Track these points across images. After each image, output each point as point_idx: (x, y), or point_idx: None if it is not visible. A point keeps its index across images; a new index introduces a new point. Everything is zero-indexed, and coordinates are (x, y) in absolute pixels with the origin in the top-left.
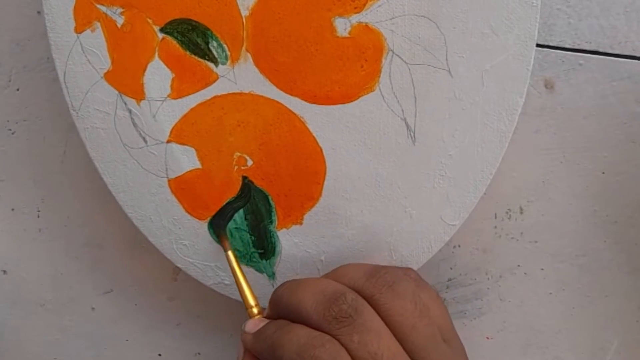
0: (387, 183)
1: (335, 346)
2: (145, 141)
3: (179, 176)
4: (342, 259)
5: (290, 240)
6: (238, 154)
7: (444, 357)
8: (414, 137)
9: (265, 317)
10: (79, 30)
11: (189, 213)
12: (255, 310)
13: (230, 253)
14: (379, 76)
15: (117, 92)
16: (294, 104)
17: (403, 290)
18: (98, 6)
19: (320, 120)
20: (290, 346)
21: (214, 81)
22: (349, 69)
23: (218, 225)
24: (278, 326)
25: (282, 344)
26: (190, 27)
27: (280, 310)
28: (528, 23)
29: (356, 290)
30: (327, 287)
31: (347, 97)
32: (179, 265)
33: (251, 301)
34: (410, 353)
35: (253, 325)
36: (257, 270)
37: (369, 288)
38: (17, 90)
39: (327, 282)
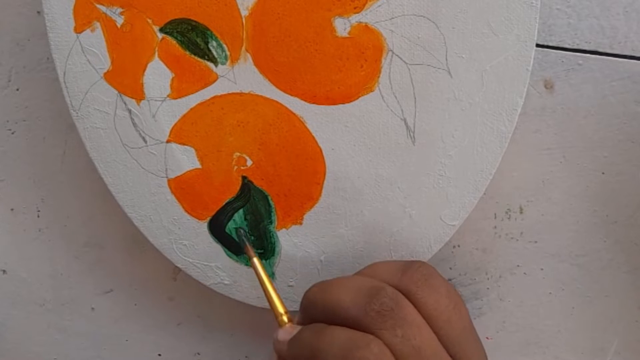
0: (387, 183)
1: (379, 346)
2: (145, 141)
3: (179, 176)
4: (342, 259)
5: (290, 241)
6: (238, 154)
7: (474, 350)
8: (414, 137)
9: (297, 324)
10: (78, 30)
11: (188, 213)
12: (285, 317)
13: (255, 260)
14: (379, 76)
15: (116, 92)
16: (293, 104)
17: (438, 284)
18: (98, 6)
19: (320, 120)
20: (331, 349)
21: (214, 81)
22: (349, 69)
23: (241, 234)
24: (314, 330)
25: (322, 348)
26: (190, 27)
27: (315, 312)
28: (528, 23)
29: (392, 286)
30: (363, 283)
31: (346, 97)
32: (179, 265)
33: (280, 309)
34: (445, 346)
35: (286, 333)
36: None
37: (405, 282)
38: (17, 90)
39: (362, 279)
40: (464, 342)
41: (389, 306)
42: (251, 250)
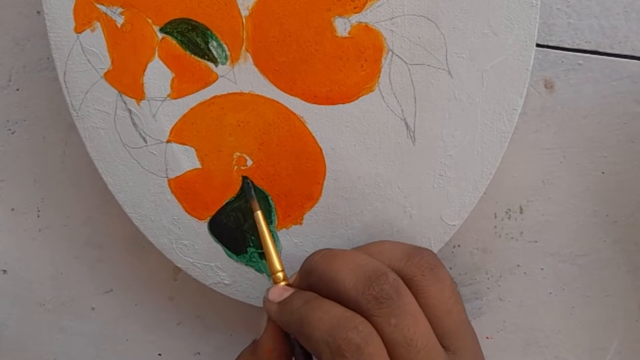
0: (387, 183)
1: (368, 328)
2: (145, 141)
3: (179, 176)
4: None
5: (290, 240)
6: (238, 153)
7: (471, 344)
8: (414, 137)
9: (291, 286)
10: (79, 30)
11: (188, 213)
12: (280, 275)
13: (259, 213)
14: (379, 76)
15: (117, 91)
16: (293, 104)
17: (443, 275)
18: (98, 6)
19: (320, 120)
20: (320, 325)
21: (214, 81)
22: (349, 69)
23: (247, 185)
24: (306, 299)
25: (312, 321)
26: (190, 27)
27: (313, 280)
28: (528, 23)
29: (396, 270)
30: (367, 263)
31: (347, 97)
32: (179, 265)
33: (277, 265)
34: (441, 338)
35: (277, 293)
36: (257, 270)
37: (411, 268)
38: (17, 90)
39: (367, 258)
40: (461, 335)
41: (388, 293)
42: (256, 203)
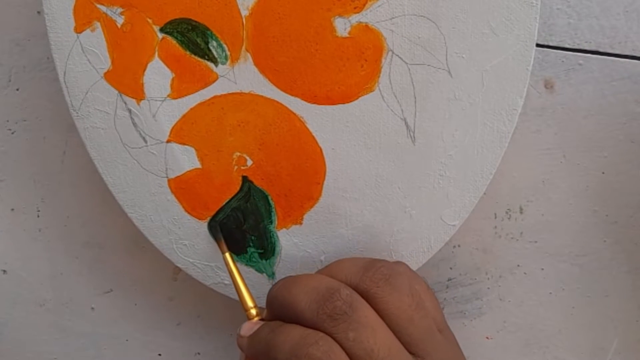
0: (387, 183)
1: (328, 343)
2: (145, 141)
3: (179, 176)
4: None
5: (290, 240)
6: (238, 153)
7: (440, 348)
8: (414, 137)
9: (264, 319)
10: (79, 30)
11: (188, 213)
12: (253, 311)
13: (227, 255)
14: (379, 76)
15: (117, 91)
16: (293, 103)
17: (400, 283)
18: (98, 6)
19: (320, 120)
20: (283, 346)
21: (214, 81)
22: (349, 69)
23: (213, 228)
24: (272, 327)
25: (276, 344)
26: (190, 27)
27: (275, 310)
28: (528, 23)
29: (352, 285)
30: (320, 283)
31: (347, 97)
32: (179, 265)
33: (249, 302)
34: (407, 345)
35: (248, 328)
36: (257, 270)
37: (366, 282)
38: (17, 90)
39: (321, 278)
40: (428, 341)
41: (341, 309)
42: (223, 246)
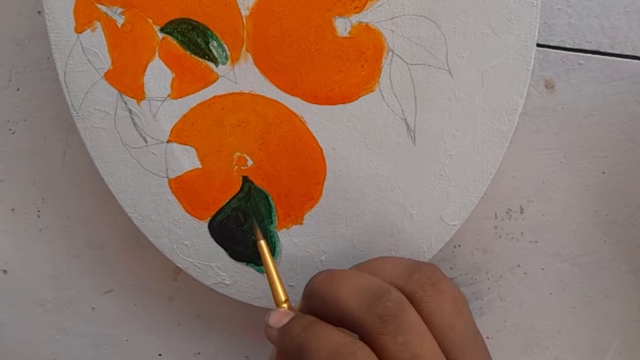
0: (387, 183)
1: (366, 353)
2: (146, 141)
3: (179, 176)
4: (342, 259)
5: (291, 240)
6: (238, 153)
7: (478, 356)
8: (414, 137)
9: (298, 310)
10: (79, 30)
11: (189, 213)
12: (285, 306)
13: (262, 242)
14: (379, 76)
15: (117, 91)
16: (294, 104)
17: (445, 289)
18: (98, 6)
19: (320, 120)
20: (319, 352)
21: (214, 81)
22: (349, 69)
23: (249, 215)
24: (305, 325)
25: (310, 349)
26: (190, 27)
27: (315, 304)
28: (528, 23)
29: (397, 287)
30: (369, 282)
31: (347, 97)
32: (179, 265)
33: (282, 296)
34: (447, 353)
35: (277, 319)
36: (257, 270)
37: (413, 285)
38: (17, 90)
39: (368, 277)
40: (467, 349)
41: (392, 311)
42: (259, 233)
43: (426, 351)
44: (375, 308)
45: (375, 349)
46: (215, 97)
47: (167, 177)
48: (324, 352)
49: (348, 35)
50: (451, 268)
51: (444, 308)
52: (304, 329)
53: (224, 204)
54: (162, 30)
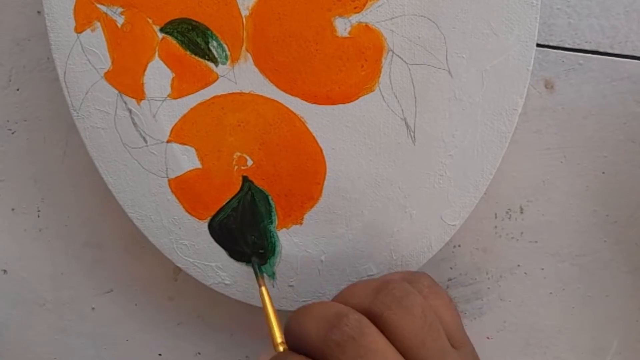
0: (387, 183)
1: None
2: (146, 141)
3: (179, 176)
4: (342, 259)
5: (290, 240)
6: (238, 153)
7: None
8: (414, 137)
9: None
10: (79, 30)
11: (189, 213)
12: (281, 348)
13: (263, 289)
14: (379, 76)
15: (117, 91)
16: (294, 104)
17: (411, 305)
18: (98, 6)
19: (320, 120)
20: None
21: (214, 81)
22: (349, 69)
23: (253, 262)
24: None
25: None
26: (190, 27)
27: (290, 342)
28: (528, 23)
29: (364, 310)
30: (328, 309)
31: (347, 97)
32: (179, 265)
33: (278, 338)
34: None
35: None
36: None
37: (377, 305)
38: (17, 90)
39: (331, 305)
40: None
41: (349, 335)
42: (261, 280)
43: None
44: (332, 335)
45: None
46: (215, 97)
47: (167, 177)
48: None
49: (348, 35)
50: (451, 268)
51: (411, 325)
52: None
53: (224, 203)
54: (162, 30)
